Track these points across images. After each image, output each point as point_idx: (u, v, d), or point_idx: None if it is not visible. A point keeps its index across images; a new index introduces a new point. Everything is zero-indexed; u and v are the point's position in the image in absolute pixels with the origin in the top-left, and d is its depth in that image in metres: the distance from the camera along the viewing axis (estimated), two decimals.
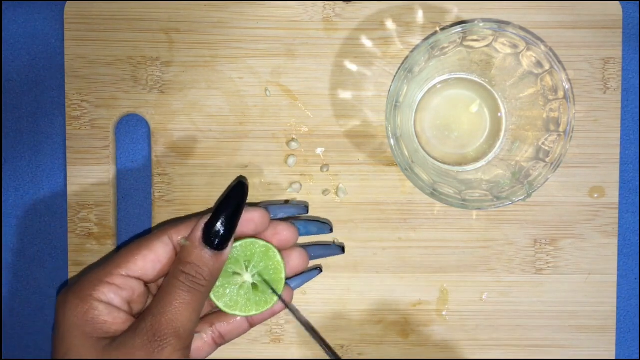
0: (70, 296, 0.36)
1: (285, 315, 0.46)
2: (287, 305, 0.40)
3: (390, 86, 0.42)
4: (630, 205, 0.47)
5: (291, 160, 0.45)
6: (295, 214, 0.43)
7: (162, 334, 0.35)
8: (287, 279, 0.40)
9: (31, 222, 0.47)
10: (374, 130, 0.45)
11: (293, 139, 0.45)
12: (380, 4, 0.45)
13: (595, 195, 0.46)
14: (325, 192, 0.46)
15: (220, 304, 0.39)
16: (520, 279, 0.46)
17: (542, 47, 0.39)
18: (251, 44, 0.45)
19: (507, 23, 0.44)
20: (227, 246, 0.38)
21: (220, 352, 0.46)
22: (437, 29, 0.45)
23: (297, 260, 0.41)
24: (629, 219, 0.47)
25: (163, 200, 0.45)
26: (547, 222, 0.46)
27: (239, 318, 0.40)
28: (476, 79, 0.45)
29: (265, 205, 0.42)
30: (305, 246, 0.43)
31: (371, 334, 0.46)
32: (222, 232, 0.37)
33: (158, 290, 0.38)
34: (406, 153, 0.41)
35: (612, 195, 0.46)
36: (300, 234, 0.42)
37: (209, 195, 0.45)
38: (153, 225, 0.46)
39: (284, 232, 0.41)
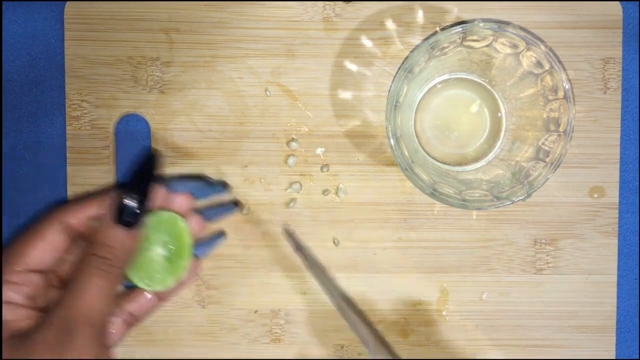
0: None
1: (285, 316, 0.46)
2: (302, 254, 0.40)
3: (390, 86, 0.42)
4: (630, 205, 0.47)
5: (291, 160, 0.45)
6: (207, 194, 0.44)
7: (74, 324, 0.34)
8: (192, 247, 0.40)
9: (31, 222, 0.47)
10: (374, 130, 0.45)
11: (293, 139, 0.45)
12: (380, 4, 0.45)
13: (595, 195, 0.46)
14: (325, 192, 0.46)
15: (142, 284, 0.39)
16: (520, 279, 0.46)
17: (542, 47, 0.39)
18: (251, 44, 0.45)
19: (507, 23, 0.44)
20: (141, 223, 0.36)
21: (220, 352, 0.46)
22: (437, 29, 0.45)
23: (194, 226, 0.41)
24: (629, 219, 0.47)
25: None
26: (547, 222, 0.46)
27: (149, 295, 0.39)
28: (476, 79, 0.45)
29: (168, 182, 0.41)
30: (199, 211, 0.42)
31: None
32: (135, 208, 0.36)
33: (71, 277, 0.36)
34: (406, 153, 0.41)
35: (612, 195, 0.46)
36: (197, 199, 0.42)
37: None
38: None
39: (177, 199, 0.40)
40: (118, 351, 0.46)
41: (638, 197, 0.47)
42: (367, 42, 0.45)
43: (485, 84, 0.45)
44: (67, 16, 0.45)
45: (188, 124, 0.45)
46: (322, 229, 0.46)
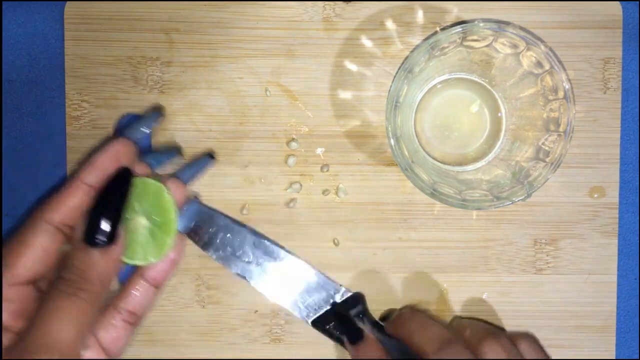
0: None
1: (285, 315, 0.46)
2: None
3: (390, 86, 0.42)
4: (630, 205, 0.47)
5: (291, 160, 0.45)
6: (163, 160, 0.42)
7: (30, 352, 0.30)
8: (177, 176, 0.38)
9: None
10: (374, 130, 0.45)
11: (293, 139, 0.45)
12: (380, 4, 0.45)
13: (595, 195, 0.46)
14: (325, 192, 0.46)
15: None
16: (520, 279, 0.46)
17: (542, 47, 0.39)
18: (251, 44, 0.45)
19: (507, 23, 0.44)
20: (117, 241, 0.33)
21: (220, 352, 0.46)
22: (437, 29, 0.45)
23: (174, 191, 0.37)
24: (629, 219, 0.47)
25: None
26: (547, 222, 0.46)
27: (140, 289, 0.36)
28: (476, 79, 0.45)
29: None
30: (175, 174, 0.40)
31: None
32: (107, 228, 0.32)
33: None
34: (406, 153, 0.41)
35: (612, 195, 0.46)
36: (153, 167, 0.39)
37: (209, 195, 0.45)
38: None
39: (136, 171, 0.36)
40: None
41: (638, 197, 0.47)
42: (367, 42, 0.45)
43: (485, 84, 0.45)
44: (67, 16, 0.45)
45: (188, 124, 0.45)
46: (322, 229, 0.46)
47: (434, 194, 0.40)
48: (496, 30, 0.39)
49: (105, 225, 0.32)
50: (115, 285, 0.36)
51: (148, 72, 0.45)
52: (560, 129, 0.40)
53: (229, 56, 0.45)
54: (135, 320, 0.37)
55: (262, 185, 0.46)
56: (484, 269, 0.46)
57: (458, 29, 0.39)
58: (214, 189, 0.45)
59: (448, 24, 0.45)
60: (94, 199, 0.33)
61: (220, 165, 0.45)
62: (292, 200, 0.46)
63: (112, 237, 0.32)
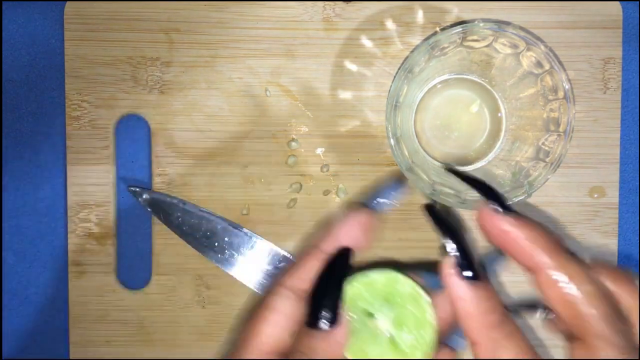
0: None
1: None
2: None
3: (390, 86, 0.42)
4: (630, 205, 0.47)
5: (291, 160, 0.45)
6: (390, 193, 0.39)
7: None
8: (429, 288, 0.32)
9: (31, 222, 0.47)
10: (374, 130, 0.45)
11: (293, 139, 0.45)
12: (380, 4, 0.45)
13: (595, 195, 0.46)
14: (325, 192, 0.46)
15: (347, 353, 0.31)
16: (521, 279, 0.46)
17: (542, 47, 0.39)
18: (251, 44, 0.45)
19: (507, 23, 0.44)
20: (337, 323, 0.31)
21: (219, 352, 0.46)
22: (437, 29, 0.45)
23: (441, 306, 0.32)
24: (629, 219, 0.47)
25: None
26: (547, 222, 0.46)
27: None
28: (476, 79, 0.45)
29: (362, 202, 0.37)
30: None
31: None
32: (329, 311, 0.31)
33: None
34: (406, 153, 0.41)
35: (612, 195, 0.46)
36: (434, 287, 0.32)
37: (209, 195, 0.45)
38: (152, 224, 0.46)
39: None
40: (118, 351, 0.46)
41: (638, 197, 0.47)
42: (367, 42, 0.45)
43: (485, 84, 0.45)
44: (67, 16, 0.45)
45: (188, 124, 0.45)
46: None
47: (434, 194, 0.40)
48: (496, 30, 0.39)
49: (327, 311, 0.31)
50: None
51: (148, 72, 0.45)
52: (560, 129, 0.40)
53: (228, 56, 0.45)
54: None
55: (262, 185, 0.46)
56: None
57: (458, 29, 0.39)
58: (214, 189, 0.45)
59: (448, 24, 0.45)
60: (315, 281, 0.32)
61: (220, 165, 0.45)
62: (292, 200, 0.46)
63: (333, 321, 0.31)
